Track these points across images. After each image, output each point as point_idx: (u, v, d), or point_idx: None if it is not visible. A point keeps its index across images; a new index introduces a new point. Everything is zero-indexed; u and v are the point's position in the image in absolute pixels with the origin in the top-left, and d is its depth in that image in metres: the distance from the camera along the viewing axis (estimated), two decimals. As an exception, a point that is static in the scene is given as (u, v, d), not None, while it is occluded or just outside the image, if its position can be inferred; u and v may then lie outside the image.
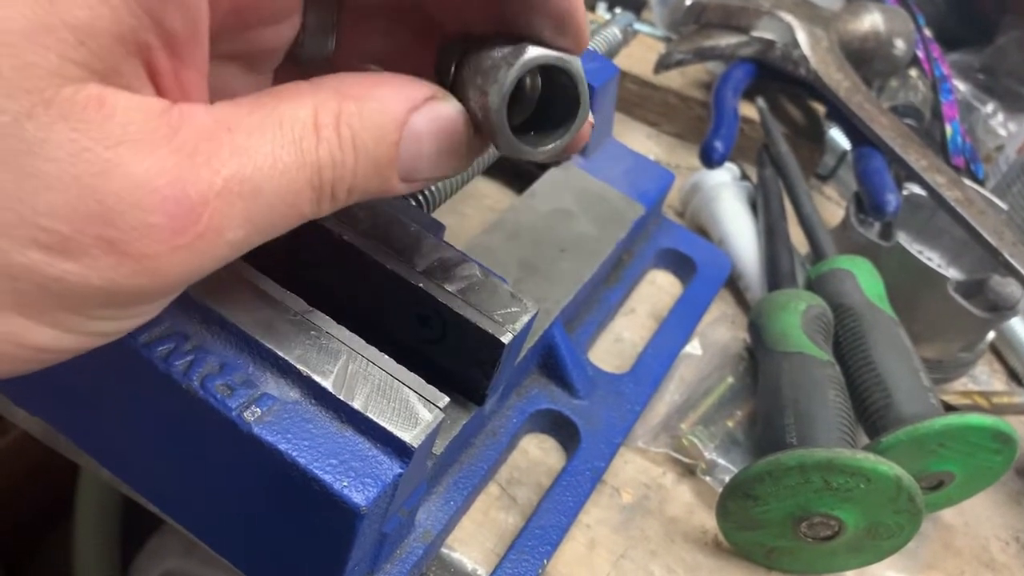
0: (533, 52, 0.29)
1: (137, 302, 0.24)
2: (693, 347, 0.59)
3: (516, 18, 0.29)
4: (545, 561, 0.44)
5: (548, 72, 0.30)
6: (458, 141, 0.30)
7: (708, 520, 0.50)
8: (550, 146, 0.31)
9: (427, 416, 0.34)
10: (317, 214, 0.27)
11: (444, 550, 0.44)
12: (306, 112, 0.26)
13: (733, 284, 0.67)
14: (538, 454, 0.50)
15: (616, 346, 0.58)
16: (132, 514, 0.96)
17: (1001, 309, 0.63)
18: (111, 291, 0.23)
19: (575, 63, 0.29)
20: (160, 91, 0.24)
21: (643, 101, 0.81)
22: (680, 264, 0.65)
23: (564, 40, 0.29)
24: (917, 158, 0.68)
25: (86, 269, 0.22)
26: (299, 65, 0.32)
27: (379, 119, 0.27)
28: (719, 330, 0.61)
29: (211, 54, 0.26)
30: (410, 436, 0.33)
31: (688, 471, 0.52)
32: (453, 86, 0.31)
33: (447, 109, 0.29)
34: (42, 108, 0.21)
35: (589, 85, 0.59)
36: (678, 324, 0.60)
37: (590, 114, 0.34)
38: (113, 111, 0.22)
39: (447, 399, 0.35)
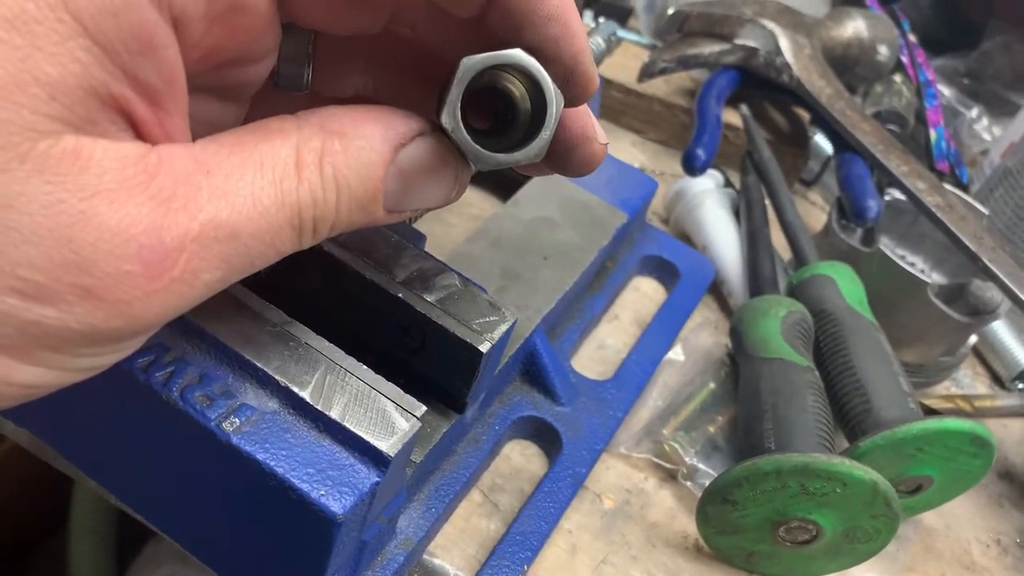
0: (473, 58, 0.28)
1: (116, 341, 0.25)
2: (676, 353, 0.59)
3: (505, 36, 0.29)
4: (525, 567, 0.44)
5: (524, 77, 0.29)
6: (447, 174, 0.30)
7: (689, 525, 0.51)
8: (517, 154, 0.30)
9: (404, 425, 0.34)
10: (298, 248, 0.27)
11: (426, 557, 0.44)
12: (287, 151, 0.26)
13: (717, 290, 0.67)
14: (520, 461, 0.50)
15: (599, 353, 0.59)
16: (127, 522, 0.96)
17: (981, 313, 0.64)
18: (89, 333, 0.24)
19: (523, 57, 0.29)
20: (144, 137, 0.25)
21: (628, 109, 0.81)
22: (664, 271, 0.65)
23: (573, 89, 0.29)
24: (899, 164, 0.68)
25: (63, 314, 0.23)
26: (278, 88, 0.33)
27: (364, 156, 0.28)
28: (702, 336, 0.61)
29: (188, 88, 0.26)
30: (387, 445, 0.34)
31: (670, 476, 0.53)
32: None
33: (435, 143, 0.29)
34: (17, 162, 0.21)
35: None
36: (661, 330, 0.60)
37: (601, 133, 0.34)
38: (88, 163, 0.23)
39: (424, 408, 0.35)
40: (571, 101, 0.30)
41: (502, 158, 0.30)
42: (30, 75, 0.21)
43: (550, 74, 0.29)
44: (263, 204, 0.25)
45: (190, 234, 0.24)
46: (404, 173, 0.29)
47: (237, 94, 0.32)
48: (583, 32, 0.30)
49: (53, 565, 0.99)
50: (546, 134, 0.30)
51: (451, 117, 0.28)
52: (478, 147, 0.29)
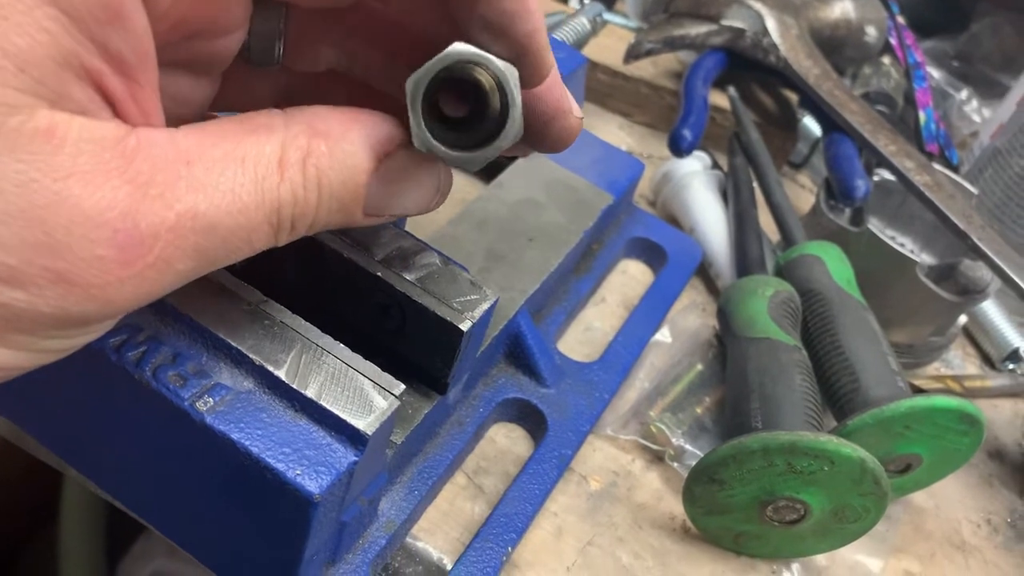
0: (414, 76, 0.28)
1: (86, 324, 0.25)
2: (663, 335, 0.59)
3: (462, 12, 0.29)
4: (510, 548, 0.44)
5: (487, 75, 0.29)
6: (429, 182, 0.30)
7: (676, 506, 0.50)
8: (496, 144, 0.29)
9: (382, 404, 0.34)
10: (273, 245, 0.27)
11: (409, 540, 0.44)
12: (272, 148, 0.26)
13: (704, 272, 0.67)
14: (506, 443, 0.50)
15: (586, 335, 0.58)
16: (117, 517, 0.96)
17: (971, 293, 0.63)
18: (59, 317, 0.23)
19: (464, 52, 0.28)
20: (120, 114, 0.24)
21: (615, 91, 0.81)
22: (651, 253, 0.65)
23: (526, 69, 0.29)
24: (886, 143, 0.68)
25: (34, 297, 0.22)
26: (249, 63, 0.32)
27: (349, 160, 0.28)
28: (689, 318, 0.61)
29: (158, 62, 0.26)
30: (364, 424, 0.33)
31: (657, 458, 0.53)
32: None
33: (420, 155, 0.29)
34: None
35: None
36: (648, 312, 0.60)
37: (575, 107, 0.34)
38: (63, 141, 0.22)
39: (403, 386, 0.35)
40: (525, 82, 0.30)
41: (479, 156, 0.30)
42: None
43: (503, 53, 0.29)
44: (243, 200, 0.25)
45: (166, 223, 0.24)
46: (387, 179, 0.29)
47: (207, 68, 0.31)
48: (539, 12, 0.29)
49: (44, 560, 0.98)
50: (514, 121, 0.29)
51: (422, 141, 0.28)
52: (459, 155, 0.29)
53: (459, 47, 0.28)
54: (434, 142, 0.29)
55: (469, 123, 0.30)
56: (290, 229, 0.27)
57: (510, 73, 0.29)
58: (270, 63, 0.33)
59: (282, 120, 0.27)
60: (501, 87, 0.29)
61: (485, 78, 0.29)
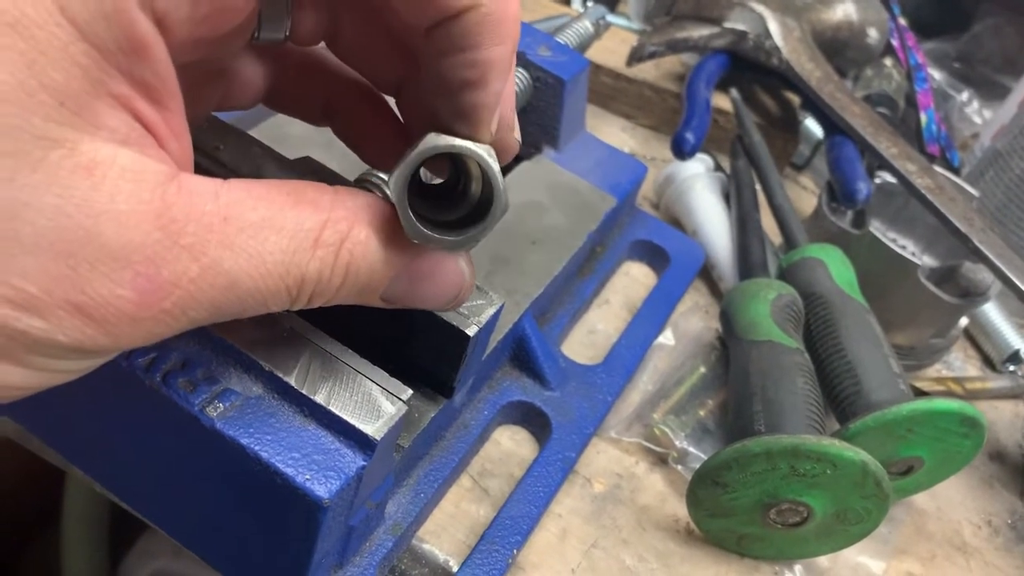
0: (397, 179, 0.28)
1: (100, 354, 0.25)
2: (666, 337, 0.59)
3: (435, 88, 0.29)
4: (515, 551, 0.44)
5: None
6: (450, 292, 0.31)
7: (680, 509, 0.51)
8: (463, 237, 0.30)
9: (390, 409, 0.34)
10: (285, 308, 0.28)
11: (415, 542, 0.44)
12: (312, 224, 0.27)
13: (707, 275, 0.67)
14: (511, 446, 0.50)
15: (590, 337, 0.59)
16: (120, 516, 0.96)
17: (972, 295, 0.63)
18: (74, 347, 0.24)
19: (450, 145, 0.29)
20: (157, 140, 0.25)
21: (618, 94, 0.81)
22: (654, 255, 0.65)
23: (461, 130, 0.29)
24: (888, 146, 0.68)
25: (52, 327, 0.23)
26: (253, 42, 0.32)
27: (381, 255, 0.29)
28: (692, 320, 0.61)
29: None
30: (373, 429, 0.33)
31: (660, 460, 0.53)
32: None
33: (451, 263, 0.31)
34: (28, 172, 0.21)
35: (559, 79, 0.59)
36: (651, 315, 0.60)
37: (516, 127, 0.34)
38: (103, 179, 0.23)
39: (410, 392, 0.35)
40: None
41: (471, 239, 0.30)
42: (37, 81, 0.21)
43: (442, 107, 0.29)
44: (267, 265, 0.26)
45: (188, 274, 0.24)
46: (412, 278, 0.30)
47: (218, 70, 0.31)
48: (498, 95, 0.29)
49: (46, 559, 0.98)
50: (499, 201, 0.29)
51: (414, 234, 0.29)
52: (453, 240, 0.29)
53: (434, 140, 0.28)
54: (428, 233, 0.29)
55: (451, 188, 0.32)
56: (306, 301, 0.28)
57: (491, 158, 0.29)
58: (277, 43, 0.33)
59: (330, 199, 0.28)
60: (484, 172, 0.29)
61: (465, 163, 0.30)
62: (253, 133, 0.51)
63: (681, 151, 0.67)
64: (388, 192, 0.29)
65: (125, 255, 0.23)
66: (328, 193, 0.28)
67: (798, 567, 0.50)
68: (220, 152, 0.35)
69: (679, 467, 0.52)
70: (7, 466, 0.95)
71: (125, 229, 0.23)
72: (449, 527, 0.45)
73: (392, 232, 0.29)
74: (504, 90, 0.29)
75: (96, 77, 0.22)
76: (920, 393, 0.62)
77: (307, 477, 0.32)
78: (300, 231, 0.26)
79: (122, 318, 0.23)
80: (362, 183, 0.39)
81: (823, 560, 0.51)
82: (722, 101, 0.78)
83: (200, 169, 0.27)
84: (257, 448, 0.33)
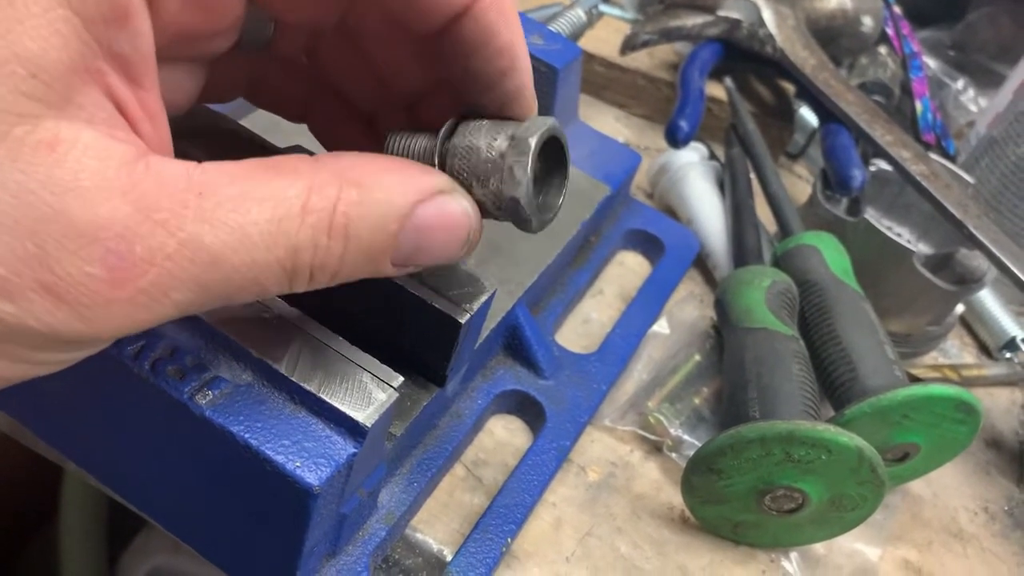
0: (534, 139, 0.30)
1: (78, 344, 0.24)
2: (661, 326, 0.59)
3: (469, 95, 0.31)
4: (509, 539, 0.44)
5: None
6: (461, 233, 0.30)
7: (675, 497, 0.50)
8: (559, 204, 0.33)
9: (381, 396, 0.34)
10: (288, 291, 0.27)
11: (409, 531, 0.44)
12: (296, 191, 0.25)
13: (702, 263, 0.67)
14: (504, 435, 0.50)
15: (584, 327, 0.58)
16: (118, 512, 0.96)
17: (968, 282, 0.63)
18: (48, 334, 0.23)
19: (559, 126, 0.32)
20: (129, 120, 0.24)
21: (611, 83, 0.81)
22: (648, 245, 0.65)
23: (513, 113, 0.31)
24: (883, 133, 0.68)
25: (22, 311, 0.22)
26: (236, 47, 0.32)
27: (381, 209, 0.27)
28: (687, 309, 0.61)
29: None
30: (363, 416, 0.33)
31: (655, 448, 0.53)
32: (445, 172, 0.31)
33: (456, 205, 0.29)
34: None
35: (551, 67, 0.59)
36: (646, 304, 0.60)
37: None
38: (65, 156, 0.22)
39: (401, 379, 0.35)
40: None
41: (555, 212, 0.33)
42: (10, 50, 0.21)
43: (488, 100, 0.31)
44: (251, 238, 0.24)
45: (164, 249, 0.23)
46: (419, 230, 0.28)
47: (200, 62, 0.31)
48: (529, 68, 0.31)
49: (44, 556, 0.98)
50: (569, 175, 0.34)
51: (526, 195, 0.30)
52: (540, 211, 0.32)
53: (542, 122, 0.31)
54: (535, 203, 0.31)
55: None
56: (308, 278, 0.26)
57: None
58: (259, 48, 0.33)
59: (310, 165, 0.26)
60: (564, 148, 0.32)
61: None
62: (244, 122, 0.51)
63: (675, 139, 0.67)
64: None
65: (93, 231, 0.22)
66: (307, 161, 0.26)
67: (794, 554, 0.50)
68: (205, 140, 0.35)
69: (674, 455, 0.52)
70: (4, 464, 0.95)
71: (92, 205, 0.22)
72: (443, 516, 0.45)
73: (387, 187, 0.27)
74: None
75: (75, 48, 0.22)
76: (916, 380, 0.62)
77: (297, 464, 0.32)
78: (284, 199, 0.25)
79: (95, 299, 0.22)
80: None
81: (819, 547, 0.51)
82: (716, 90, 0.78)
83: (181, 156, 0.27)
84: (247, 435, 0.32)
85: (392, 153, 0.32)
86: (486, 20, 0.29)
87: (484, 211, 0.31)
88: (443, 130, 0.31)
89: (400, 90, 0.34)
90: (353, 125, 0.36)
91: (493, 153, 0.30)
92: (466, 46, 0.29)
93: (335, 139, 0.37)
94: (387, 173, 0.27)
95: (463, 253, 0.31)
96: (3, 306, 0.22)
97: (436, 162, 0.31)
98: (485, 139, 0.31)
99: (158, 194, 0.23)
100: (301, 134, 0.46)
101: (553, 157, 0.33)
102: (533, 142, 0.30)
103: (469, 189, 0.31)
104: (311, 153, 0.37)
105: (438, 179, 0.29)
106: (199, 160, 0.25)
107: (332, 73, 0.35)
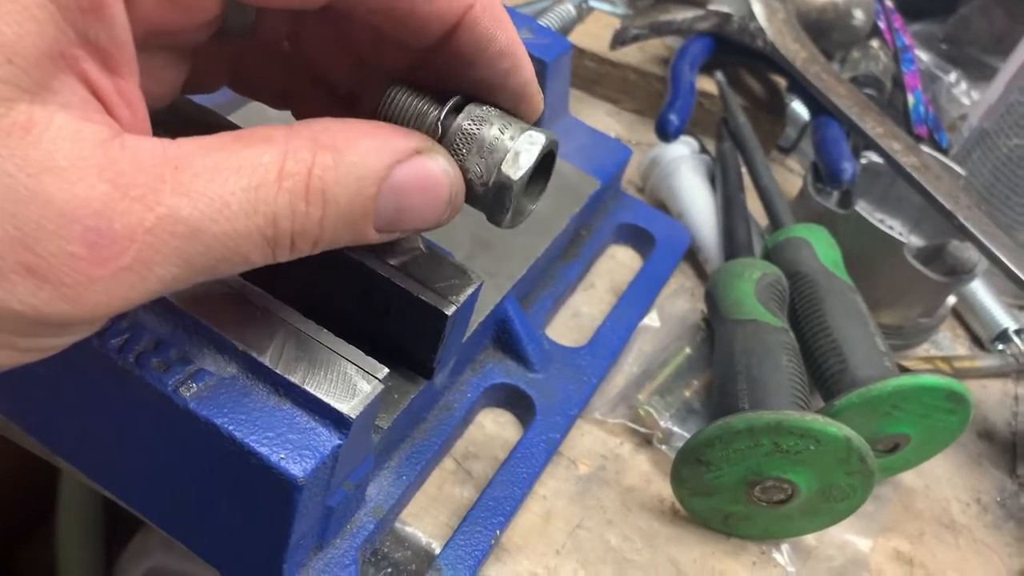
0: (545, 137, 0.31)
1: (64, 326, 0.24)
2: (652, 319, 0.59)
3: (476, 88, 0.32)
4: (498, 532, 0.44)
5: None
6: (442, 194, 0.30)
7: (665, 489, 0.50)
8: (530, 211, 0.34)
9: (366, 388, 0.34)
10: (272, 261, 0.26)
11: (397, 524, 0.44)
12: (271, 158, 0.25)
13: (693, 257, 0.67)
14: (494, 428, 0.50)
15: (575, 320, 0.58)
16: (115, 514, 0.96)
17: (959, 274, 0.63)
18: (33, 316, 0.23)
19: (558, 144, 0.33)
20: (106, 107, 0.24)
21: (602, 78, 0.80)
22: (639, 239, 0.65)
23: (521, 113, 0.32)
24: (874, 126, 0.68)
25: (6, 294, 0.22)
26: (218, 35, 0.32)
27: (357, 172, 0.27)
28: (678, 302, 0.61)
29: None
30: (348, 407, 0.33)
31: (645, 441, 0.53)
32: (441, 141, 0.31)
33: (434, 165, 0.29)
34: None
35: (540, 61, 0.59)
36: (637, 298, 0.60)
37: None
38: (40, 137, 0.22)
39: (387, 370, 0.35)
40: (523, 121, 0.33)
41: (521, 219, 0.34)
42: None
43: (500, 103, 0.32)
44: (230, 208, 0.24)
45: (144, 224, 0.23)
46: (398, 192, 0.28)
47: (182, 51, 0.31)
48: (529, 62, 0.32)
49: (42, 557, 0.98)
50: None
51: (520, 188, 0.31)
52: (518, 207, 0.32)
53: (542, 137, 0.31)
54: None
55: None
56: (290, 246, 0.26)
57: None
58: (241, 36, 0.33)
59: (284, 133, 0.26)
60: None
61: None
62: (233, 118, 0.51)
63: (665, 133, 0.67)
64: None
65: (71, 210, 0.22)
66: (280, 129, 0.26)
67: (785, 545, 0.50)
68: (188, 132, 0.35)
69: (664, 448, 0.52)
70: (1, 461, 0.95)
71: (68, 184, 0.22)
72: (432, 509, 0.45)
73: (362, 150, 0.27)
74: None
75: (50, 35, 0.22)
76: (907, 371, 0.62)
77: (282, 456, 0.32)
78: (259, 167, 0.25)
79: (78, 278, 0.22)
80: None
81: (809, 538, 0.51)
82: (707, 84, 0.78)
83: None
84: (231, 428, 0.32)
85: (390, 105, 0.31)
86: (481, 27, 0.29)
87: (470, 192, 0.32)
88: (451, 102, 0.31)
89: (381, 67, 0.34)
90: (335, 109, 0.36)
91: (504, 134, 0.31)
92: (465, 55, 0.30)
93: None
94: (362, 137, 0.27)
95: (447, 215, 0.31)
96: None
97: (438, 126, 0.31)
98: (498, 122, 0.31)
99: (134, 171, 0.23)
100: (287, 128, 0.45)
101: (540, 169, 0.33)
102: (544, 138, 0.31)
103: (462, 160, 0.31)
104: None
105: (416, 140, 0.29)
106: None
107: (313, 55, 0.35)
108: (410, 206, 0.29)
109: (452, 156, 0.31)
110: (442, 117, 0.31)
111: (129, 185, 0.23)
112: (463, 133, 0.31)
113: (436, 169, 0.29)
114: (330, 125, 0.27)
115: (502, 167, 0.31)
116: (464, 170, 0.31)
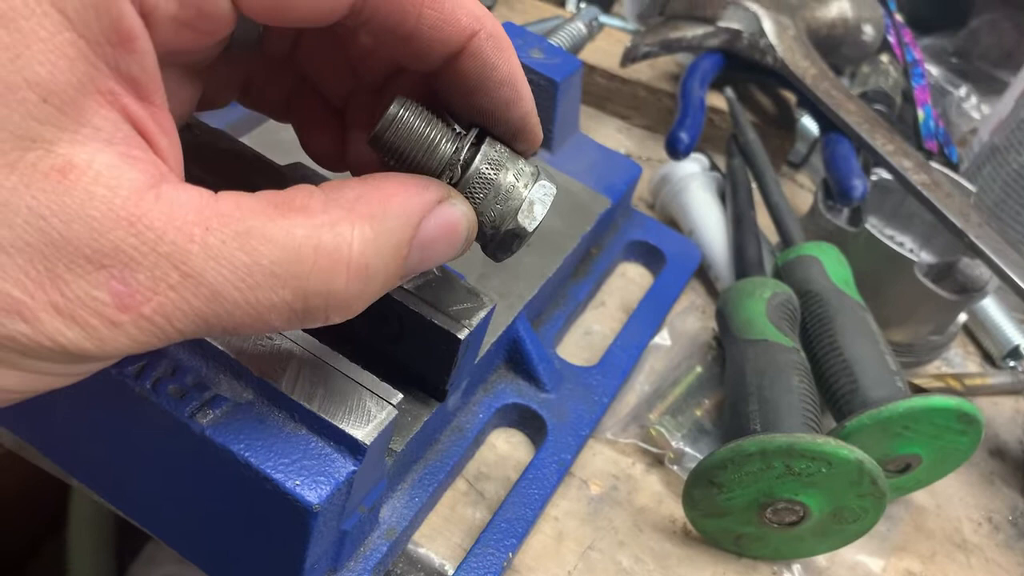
0: (553, 190, 0.32)
1: (90, 359, 0.25)
2: (663, 338, 0.59)
3: (476, 116, 0.32)
4: (510, 554, 0.44)
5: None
6: (461, 238, 0.30)
7: (676, 510, 0.50)
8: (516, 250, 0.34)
9: (380, 413, 0.34)
10: (300, 327, 0.27)
11: (410, 546, 0.44)
12: (305, 232, 0.25)
13: (704, 274, 0.67)
14: (506, 449, 0.50)
15: (586, 339, 0.59)
16: (126, 523, 0.96)
17: (970, 291, 0.63)
18: (60, 351, 0.23)
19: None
20: (145, 138, 0.24)
21: (612, 95, 0.81)
22: (650, 256, 0.65)
23: (520, 145, 0.32)
24: (884, 143, 0.68)
25: (36, 332, 0.23)
26: (228, 50, 0.32)
27: (395, 239, 0.27)
28: (688, 320, 0.61)
29: None
30: (363, 433, 0.33)
31: (657, 461, 0.53)
32: (458, 184, 0.31)
33: (455, 212, 0.30)
34: (6, 172, 0.21)
35: (551, 80, 0.59)
36: (647, 316, 0.60)
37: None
38: (76, 182, 0.22)
39: (400, 396, 0.35)
40: (522, 154, 0.33)
41: (509, 256, 0.33)
42: (20, 76, 0.21)
43: (499, 133, 0.32)
44: (255, 279, 0.24)
45: (167, 280, 0.23)
46: (423, 245, 0.29)
47: (195, 68, 0.32)
48: (530, 94, 0.32)
49: (53, 569, 0.98)
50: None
51: (535, 230, 0.32)
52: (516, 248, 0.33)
53: (549, 186, 0.32)
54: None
55: None
56: (324, 318, 0.26)
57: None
58: (251, 49, 0.34)
59: (321, 203, 0.26)
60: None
61: None
62: (245, 140, 0.51)
63: (675, 151, 0.67)
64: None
65: (98, 259, 0.23)
66: (317, 195, 0.26)
67: (796, 566, 0.50)
68: (209, 162, 0.35)
69: (675, 468, 0.52)
70: (13, 476, 0.95)
71: (98, 234, 0.22)
72: (444, 531, 0.45)
73: (396, 214, 0.27)
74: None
75: (83, 71, 0.22)
76: (919, 390, 0.62)
77: (297, 483, 0.33)
78: (291, 243, 0.25)
79: (102, 321, 0.23)
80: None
81: (821, 559, 0.51)
82: (717, 100, 0.78)
83: (189, 174, 0.27)
84: (247, 454, 0.33)
85: (397, 125, 0.31)
86: (484, 55, 0.30)
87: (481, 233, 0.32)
88: (468, 141, 0.31)
89: (371, 75, 0.35)
90: (329, 120, 0.36)
91: (519, 182, 0.31)
92: (467, 82, 0.30)
93: (313, 137, 0.37)
94: (394, 196, 0.28)
95: (462, 253, 0.31)
96: (20, 327, 0.22)
97: (457, 168, 0.31)
98: (512, 167, 0.31)
99: (165, 226, 0.23)
100: (300, 152, 0.46)
101: None
102: (554, 189, 0.32)
103: (477, 204, 0.31)
104: (311, 171, 0.38)
105: (436, 189, 0.29)
106: (209, 184, 0.25)
107: (311, 68, 0.35)
108: (432, 253, 0.29)
109: (468, 198, 0.31)
110: (461, 159, 0.31)
111: (158, 241, 0.23)
112: (481, 177, 0.31)
113: (457, 214, 0.30)
114: (363, 190, 0.27)
115: (518, 217, 0.31)
116: (478, 213, 0.31)
